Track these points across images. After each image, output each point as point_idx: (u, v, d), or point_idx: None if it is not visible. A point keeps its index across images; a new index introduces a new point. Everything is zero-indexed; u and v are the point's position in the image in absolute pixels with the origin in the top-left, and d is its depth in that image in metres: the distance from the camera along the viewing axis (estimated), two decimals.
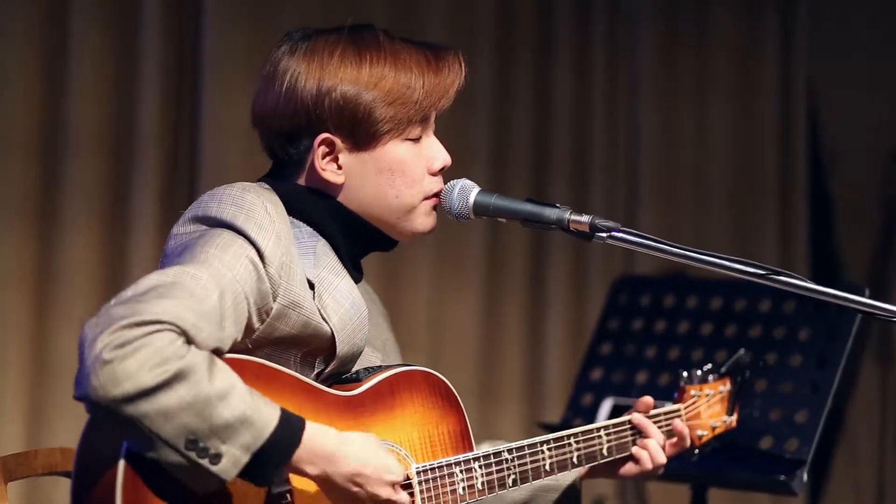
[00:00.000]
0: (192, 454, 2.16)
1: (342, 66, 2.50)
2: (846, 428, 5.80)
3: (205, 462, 2.17)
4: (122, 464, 2.18)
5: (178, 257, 2.35)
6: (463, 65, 2.59)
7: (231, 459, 2.19)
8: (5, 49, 4.29)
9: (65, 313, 4.36)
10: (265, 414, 2.22)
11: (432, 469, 2.53)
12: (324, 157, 2.52)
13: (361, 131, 2.51)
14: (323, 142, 2.51)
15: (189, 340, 2.19)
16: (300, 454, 2.27)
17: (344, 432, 2.35)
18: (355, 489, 2.33)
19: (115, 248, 4.46)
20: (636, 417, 2.88)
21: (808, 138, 5.88)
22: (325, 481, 2.32)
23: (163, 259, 2.43)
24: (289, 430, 2.25)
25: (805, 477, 3.53)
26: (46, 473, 2.77)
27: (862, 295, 2.57)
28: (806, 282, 2.54)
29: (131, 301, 2.18)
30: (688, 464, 2.98)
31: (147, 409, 2.13)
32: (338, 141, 2.51)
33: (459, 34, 5.05)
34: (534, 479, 2.69)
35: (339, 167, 2.53)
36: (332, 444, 2.31)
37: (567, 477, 2.85)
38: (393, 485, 2.38)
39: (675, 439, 2.93)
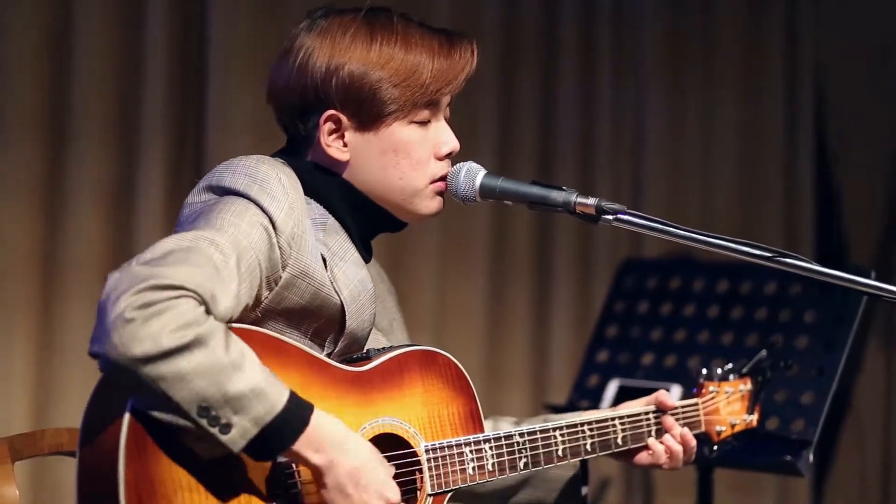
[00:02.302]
0: (203, 421, 2.18)
1: (353, 45, 2.52)
2: (852, 410, 5.80)
3: (215, 430, 2.18)
4: (127, 417, 2.19)
5: (193, 223, 2.37)
6: (475, 53, 2.61)
7: (240, 430, 2.20)
8: (13, 34, 4.29)
9: (71, 296, 4.36)
10: (277, 390, 2.23)
11: (441, 448, 2.54)
12: (330, 134, 2.55)
13: (367, 110, 2.53)
14: (329, 118, 2.53)
15: (208, 310, 2.21)
16: (307, 437, 2.26)
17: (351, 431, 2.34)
18: (350, 490, 2.31)
19: (122, 231, 4.46)
20: (667, 420, 2.89)
21: (815, 124, 5.87)
22: (325, 471, 2.29)
23: (176, 227, 2.45)
24: (298, 410, 2.26)
25: (811, 458, 3.54)
26: (53, 453, 2.79)
27: (868, 277, 2.57)
28: (812, 264, 2.54)
29: (152, 263, 2.20)
30: (698, 449, 2.98)
31: (164, 371, 2.14)
32: (344, 118, 2.53)
33: (466, 19, 5.04)
34: (546, 464, 2.70)
35: (345, 145, 2.55)
36: (339, 433, 2.31)
37: None
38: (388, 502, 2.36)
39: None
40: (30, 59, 4.32)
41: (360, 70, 2.51)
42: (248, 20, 4.63)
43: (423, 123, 2.58)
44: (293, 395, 2.25)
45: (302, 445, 2.26)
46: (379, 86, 2.51)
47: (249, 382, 2.20)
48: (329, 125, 2.54)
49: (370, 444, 2.37)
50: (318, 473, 2.30)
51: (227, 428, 2.19)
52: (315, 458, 2.28)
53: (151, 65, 4.48)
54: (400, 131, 2.56)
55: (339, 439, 2.30)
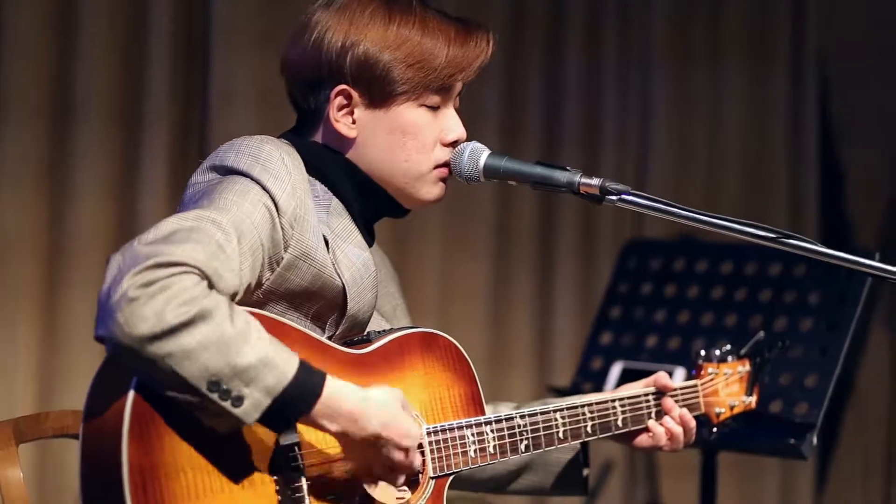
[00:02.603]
0: (214, 395, 2.16)
1: (371, 24, 2.54)
2: (855, 393, 5.80)
3: (227, 404, 2.17)
4: (130, 399, 2.18)
5: (196, 203, 2.38)
6: (491, 43, 2.63)
7: (253, 402, 2.19)
8: (16, 15, 4.29)
9: (75, 279, 4.36)
10: (286, 358, 2.23)
11: (443, 430, 2.55)
12: (340, 109, 2.56)
13: (378, 89, 2.54)
14: (340, 93, 2.55)
15: (211, 285, 2.20)
16: (320, 408, 2.25)
17: (366, 389, 2.33)
18: (372, 450, 2.33)
19: (125, 214, 4.46)
20: (667, 402, 2.89)
21: (819, 105, 5.86)
22: (343, 439, 2.31)
23: (179, 207, 2.45)
24: (309, 378, 2.25)
25: (815, 441, 3.54)
26: (58, 436, 2.78)
27: (872, 259, 2.56)
28: (817, 245, 2.54)
29: (154, 243, 2.20)
30: (698, 430, 2.98)
31: (171, 348, 2.13)
32: (355, 95, 2.55)
33: (471, 1, 5.02)
34: (547, 446, 2.71)
35: (354, 122, 2.56)
36: (354, 401, 2.30)
37: None
38: (407, 450, 2.36)
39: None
40: (33, 44, 4.32)
41: (376, 48, 2.53)
42: (251, 6, 4.62)
43: (433, 108, 2.59)
44: (303, 364, 2.24)
45: (317, 414, 2.26)
46: (393, 65, 2.53)
47: (258, 353, 2.18)
48: (340, 100, 2.55)
49: (385, 395, 2.35)
50: (339, 437, 2.31)
51: (238, 401, 2.18)
52: (331, 427, 2.28)
53: (155, 47, 4.48)
54: (409, 112, 2.57)
55: (353, 408, 2.29)
